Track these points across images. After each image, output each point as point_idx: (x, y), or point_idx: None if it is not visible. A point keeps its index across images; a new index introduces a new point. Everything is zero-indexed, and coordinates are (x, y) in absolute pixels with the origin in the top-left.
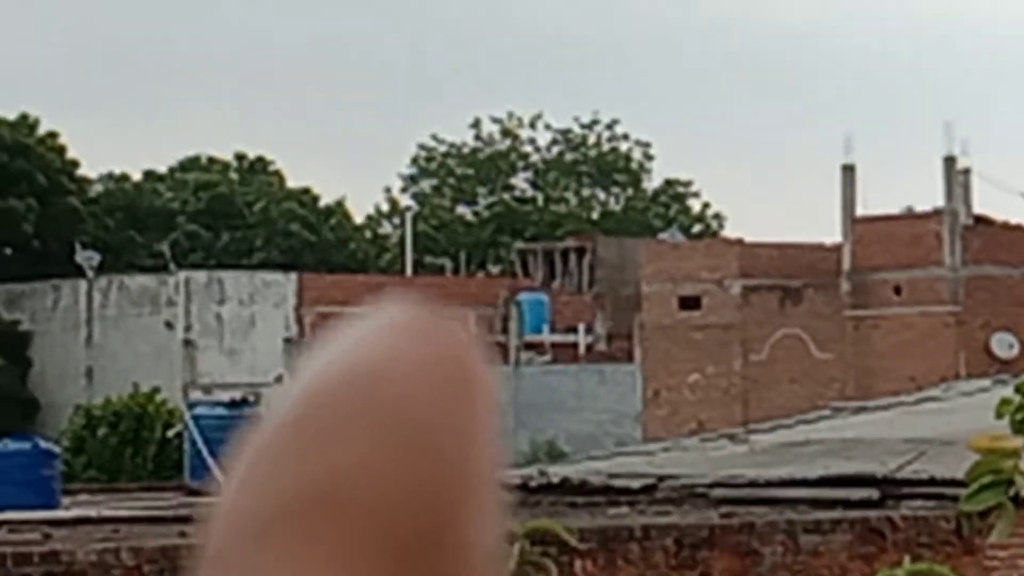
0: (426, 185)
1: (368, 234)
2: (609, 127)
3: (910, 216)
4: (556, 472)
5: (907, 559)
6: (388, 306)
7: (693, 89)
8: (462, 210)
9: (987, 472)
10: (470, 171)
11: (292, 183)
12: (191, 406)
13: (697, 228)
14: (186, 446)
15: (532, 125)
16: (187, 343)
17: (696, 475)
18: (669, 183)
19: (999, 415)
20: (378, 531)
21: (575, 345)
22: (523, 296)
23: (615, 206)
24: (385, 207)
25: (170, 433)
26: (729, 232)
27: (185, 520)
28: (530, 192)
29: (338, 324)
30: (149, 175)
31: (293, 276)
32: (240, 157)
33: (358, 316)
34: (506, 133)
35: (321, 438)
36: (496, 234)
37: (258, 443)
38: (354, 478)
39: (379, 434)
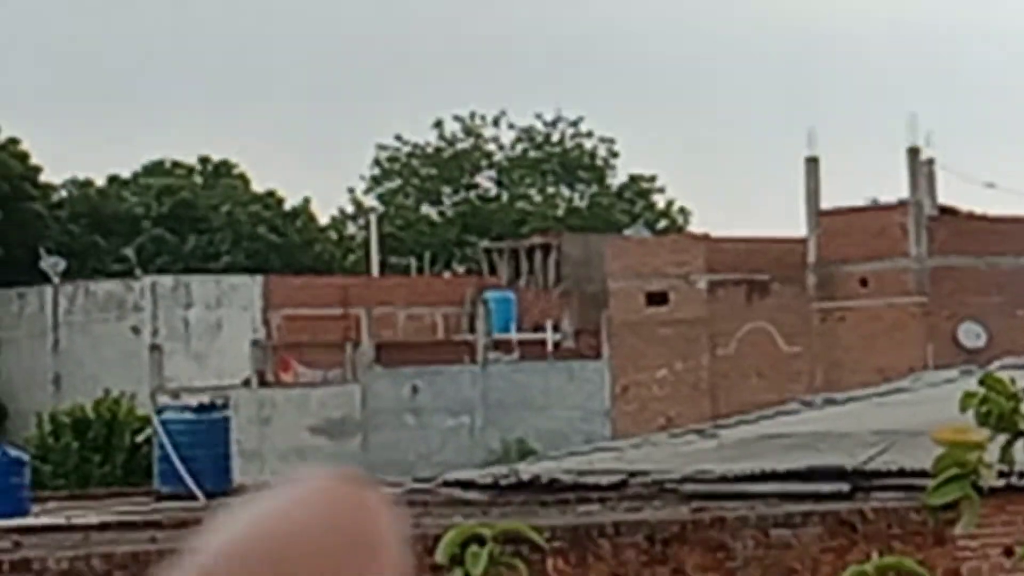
0: (390, 186)
1: (334, 235)
2: (573, 124)
3: (875, 208)
4: (526, 470)
5: (875, 554)
6: (304, 474)
7: (656, 85)
8: (427, 210)
9: (952, 464)
10: (434, 171)
11: (256, 186)
12: (159, 411)
13: (663, 224)
14: (155, 452)
15: (495, 123)
16: (154, 348)
17: (666, 471)
18: (634, 179)
19: (963, 408)
20: None
21: (543, 343)
22: (490, 295)
23: (580, 203)
24: (350, 208)
25: (139, 439)
26: (695, 227)
27: (155, 526)
28: (495, 191)
29: (255, 494)
30: (113, 180)
31: (259, 279)
32: (204, 161)
33: (276, 483)
34: (469, 132)
35: None
36: (461, 233)
37: None
38: None
39: None
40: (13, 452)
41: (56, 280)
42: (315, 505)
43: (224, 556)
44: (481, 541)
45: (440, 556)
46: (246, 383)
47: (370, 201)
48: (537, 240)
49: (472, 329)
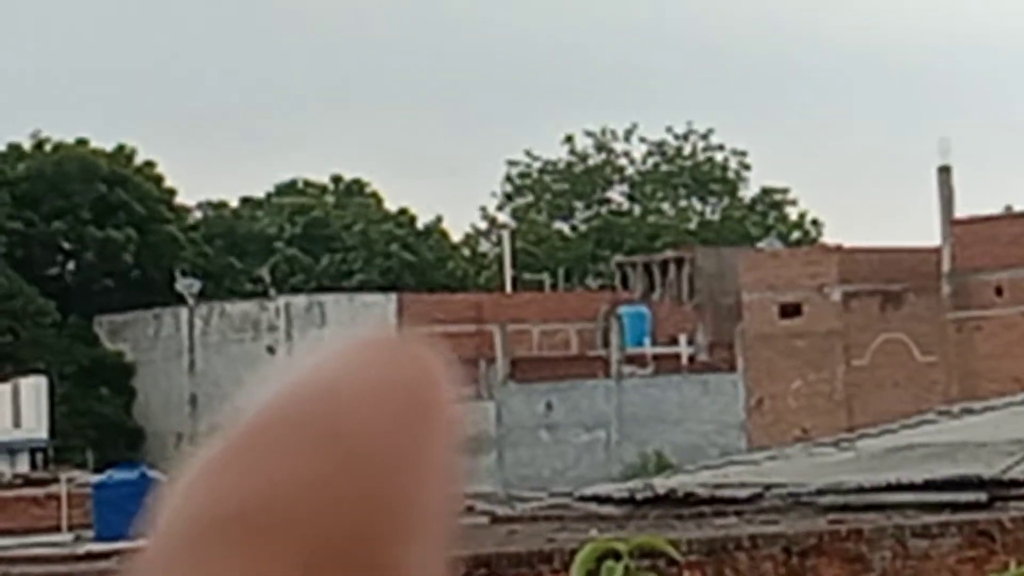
0: (522, 202)
1: (466, 252)
2: (704, 137)
3: (1009, 216)
4: (661, 484)
5: (1013, 564)
6: (361, 331)
7: (788, 96)
8: (559, 225)
9: None
10: (566, 186)
11: (389, 204)
12: None
13: (795, 235)
14: None
15: (626, 138)
16: None
17: (802, 483)
18: (766, 191)
19: None
20: (303, 548)
21: (677, 356)
22: (623, 309)
23: (712, 216)
24: (482, 225)
25: None
26: (827, 238)
27: None
28: (627, 205)
29: (309, 348)
30: (246, 201)
31: (393, 297)
32: (336, 180)
33: (328, 341)
34: (600, 147)
35: (264, 453)
36: (595, 248)
37: (208, 454)
38: (288, 494)
39: (321, 453)
40: (150, 473)
41: (191, 301)
42: (369, 362)
43: (271, 414)
44: (617, 556)
45: (576, 571)
46: None
47: (503, 218)
48: (670, 254)
49: (606, 344)
